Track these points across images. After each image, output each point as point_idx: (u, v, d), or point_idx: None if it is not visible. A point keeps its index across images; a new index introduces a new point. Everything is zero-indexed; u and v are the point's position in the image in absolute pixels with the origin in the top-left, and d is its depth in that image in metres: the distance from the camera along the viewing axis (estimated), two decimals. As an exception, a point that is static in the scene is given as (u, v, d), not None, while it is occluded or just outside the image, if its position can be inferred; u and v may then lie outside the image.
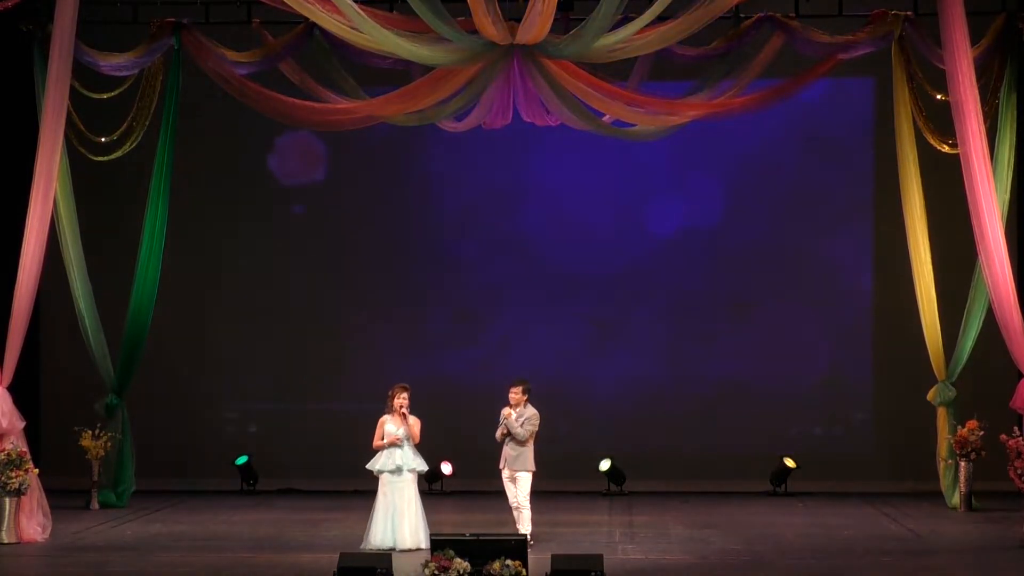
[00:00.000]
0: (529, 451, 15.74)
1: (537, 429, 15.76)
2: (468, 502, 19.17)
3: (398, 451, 15.83)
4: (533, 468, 15.75)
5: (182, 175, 19.94)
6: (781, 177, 21.21)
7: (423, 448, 16.01)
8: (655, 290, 21.32)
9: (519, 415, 15.72)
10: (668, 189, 21.35)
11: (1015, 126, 18.65)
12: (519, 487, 15.75)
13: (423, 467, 16.03)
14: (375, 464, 15.89)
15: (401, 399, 15.83)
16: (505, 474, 15.81)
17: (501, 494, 16.04)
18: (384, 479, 15.85)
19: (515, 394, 15.80)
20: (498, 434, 15.77)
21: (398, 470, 15.81)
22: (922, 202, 18.71)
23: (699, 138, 20.59)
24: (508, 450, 15.75)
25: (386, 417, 15.91)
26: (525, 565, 13.69)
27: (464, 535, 14.12)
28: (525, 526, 15.69)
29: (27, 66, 18.72)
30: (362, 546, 15.64)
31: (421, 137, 20.75)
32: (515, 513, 15.83)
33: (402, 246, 21.55)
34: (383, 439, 15.81)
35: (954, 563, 15.49)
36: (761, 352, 21.12)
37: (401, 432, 15.81)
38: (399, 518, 15.73)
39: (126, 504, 19.20)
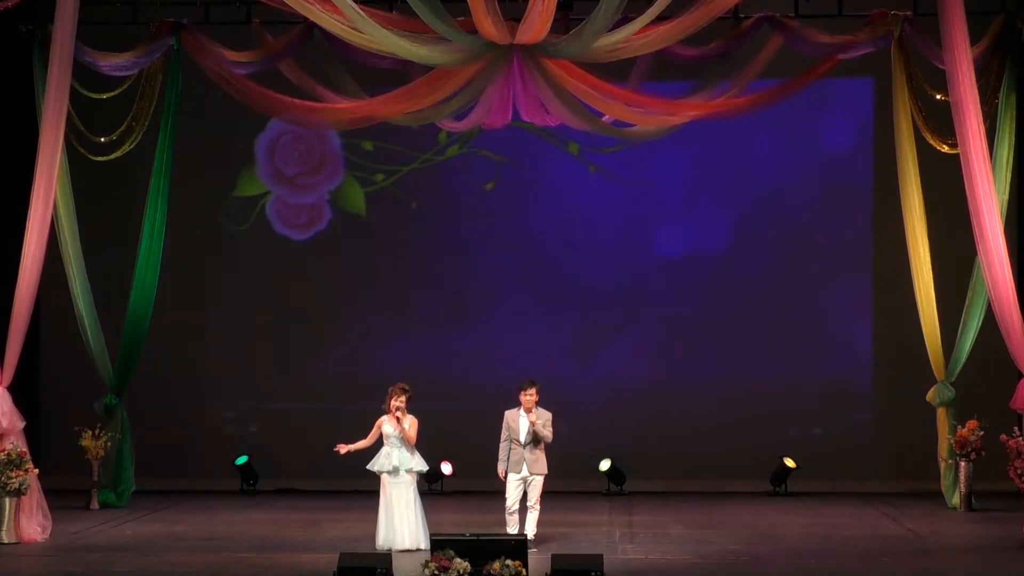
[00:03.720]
0: (544, 453, 15.78)
1: None
2: (468, 502, 19.17)
3: (395, 452, 15.84)
4: (547, 470, 15.82)
5: (181, 175, 19.95)
6: (783, 185, 21.22)
7: (424, 447, 16.02)
8: (655, 303, 21.30)
9: (537, 417, 15.70)
10: (680, 214, 21.36)
11: (1015, 126, 18.65)
12: (533, 489, 15.74)
13: (422, 467, 16.03)
14: (374, 464, 15.92)
15: (399, 401, 15.84)
16: (519, 477, 15.75)
17: (502, 494, 16.01)
18: (384, 480, 15.87)
19: (531, 395, 15.68)
20: (523, 440, 15.75)
21: (395, 471, 15.83)
22: (922, 202, 18.71)
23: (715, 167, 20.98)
24: (527, 454, 15.72)
25: (384, 418, 15.93)
26: (525, 565, 13.70)
27: (464, 535, 14.13)
28: (531, 527, 15.69)
29: (27, 66, 18.72)
30: (377, 545, 15.70)
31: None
32: (508, 516, 15.81)
33: (404, 245, 21.54)
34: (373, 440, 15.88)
35: (954, 563, 15.49)
36: (761, 352, 21.12)
37: (396, 433, 15.82)
38: (397, 519, 15.74)
39: (126, 504, 19.21)
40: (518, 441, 15.71)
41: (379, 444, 16.01)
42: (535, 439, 15.67)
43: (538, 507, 15.80)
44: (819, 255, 21.18)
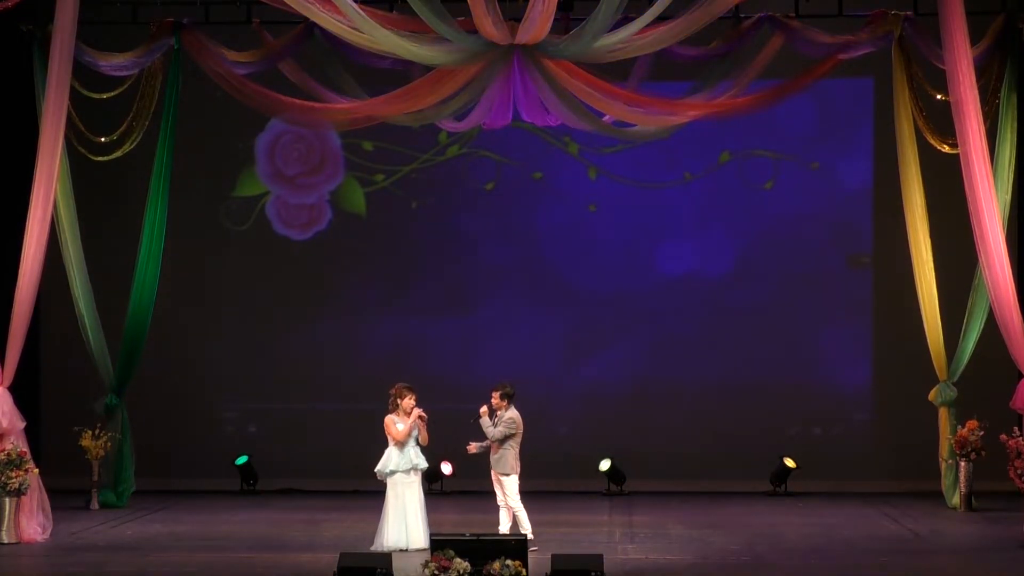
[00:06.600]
0: (510, 454, 15.79)
1: (515, 433, 15.76)
2: (468, 502, 19.17)
3: (411, 450, 15.84)
4: (513, 471, 15.79)
5: (181, 175, 19.95)
6: (783, 187, 21.26)
7: (425, 447, 16.05)
8: (658, 306, 21.28)
9: (497, 418, 15.76)
10: (686, 233, 21.35)
11: (1015, 126, 18.64)
12: (506, 490, 15.81)
13: (426, 465, 16.12)
14: (387, 466, 15.83)
15: (412, 399, 15.83)
16: (492, 475, 15.91)
17: (501, 494, 16.06)
18: (397, 479, 15.80)
19: (494, 398, 15.87)
20: (475, 446, 15.93)
21: (414, 469, 15.82)
22: (923, 202, 18.70)
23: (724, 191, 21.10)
24: (491, 452, 15.84)
25: (392, 417, 15.88)
26: (525, 565, 13.70)
27: (464, 535, 14.13)
28: (524, 527, 15.70)
29: (27, 66, 18.73)
30: (373, 547, 15.61)
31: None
32: (501, 512, 15.89)
33: (404, 245, 21.54)
34: (404, 433, 15.79)
35: (954, 563, 15.50)
36: (761, 352, 21.11)
37: (415, 432, 15.82)
38: (412, 518, 15.72)
39: (126, 504, 19.20)
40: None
41: (383, 444, 15.96)
42: (501, 439, 15.74)
43: (512, 506, 15.78)
44: (819, 257, 21.16)
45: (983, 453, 18.52)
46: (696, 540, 16.58)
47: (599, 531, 17.29)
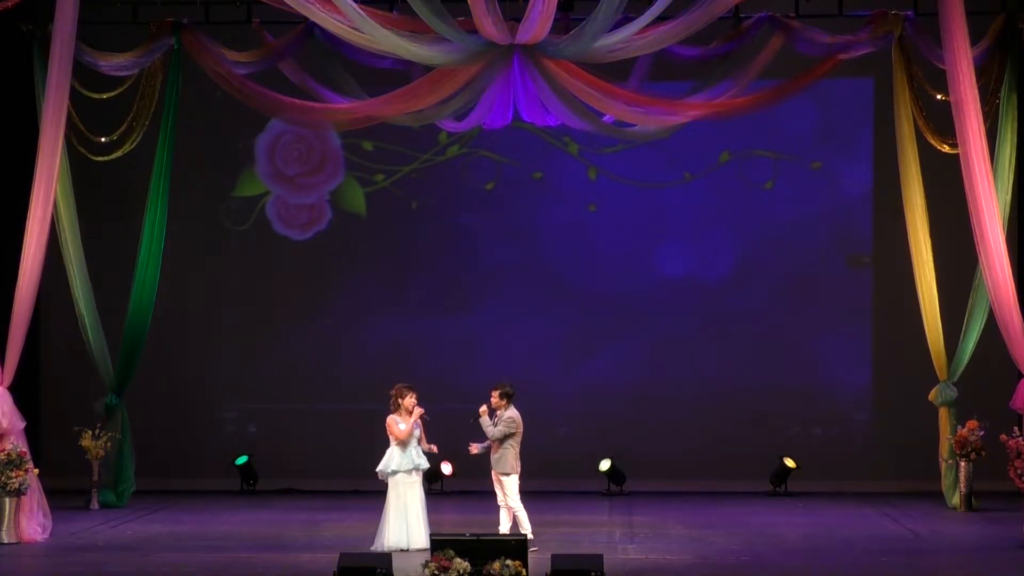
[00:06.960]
0: (510, 453, 15.80)
1: (514, 432, 15.77)
2: (468, 502, 19.17)
3: (413, 450, 15.85)
4: (513, 471, 15.80)
5: (181, 175, 19.95)
6: (781, 186, 21.26)
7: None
8: (658, 307, 21.27)
9: (497, 417, 15.78)
10: (686, 233, 21.34)
11: (1015, 126, 18.63)
12: (506, 490, 15.83)
13: (427, 465, 16.13)
14: (389, 466, 15.83)
15: (413, 398, 15.83)
16: (492, 475, 15.94)
17: (501, 494, 16.07)
18: (398, 479, 15.80)
19: (493, 398, 15.90)
20: (476, 447, 15.97)
21: (416, 469, 15.82)
22: (923, 202, 18.70)
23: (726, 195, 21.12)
24: (492, 452, 15.86)
25: (395, 417, 15.88)
26: (525, 565, 13.70)
27: (464, 535, 14.13)
28: (524, 527, 15.71)
29: (27, 66, 18.73)
30: (373, 547, 15.61)
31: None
32: (501, 512, 15.92)
33: (404, 245, 21.53)
34: (407, 432, 15.79)
35: (954, 563, 15.50)
36: (761, 351, 21.11)
37: (416, 433, 15.83)
38: (413, 518, 15.72)
39: (126, 504, 19.21)
40: None
41: (383, 444, 15.97)
42: (501, 438, 15.76)
43: (513, 506, 15.81)
44: (819, 257, 21.15)
45: (983, 453, 18.52)
46: (696, 540, 16.57)
47: (599, 531, 17.30)
